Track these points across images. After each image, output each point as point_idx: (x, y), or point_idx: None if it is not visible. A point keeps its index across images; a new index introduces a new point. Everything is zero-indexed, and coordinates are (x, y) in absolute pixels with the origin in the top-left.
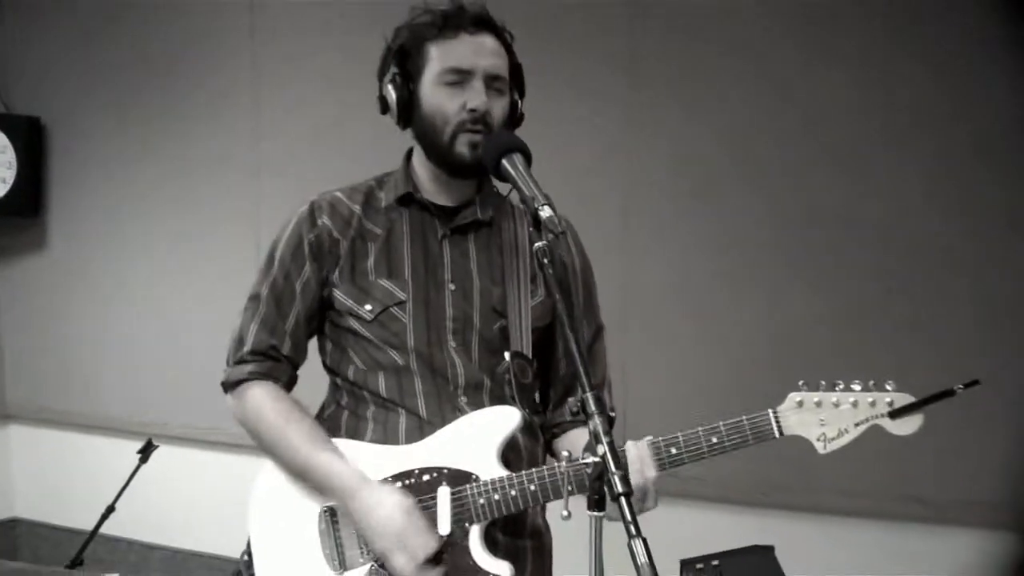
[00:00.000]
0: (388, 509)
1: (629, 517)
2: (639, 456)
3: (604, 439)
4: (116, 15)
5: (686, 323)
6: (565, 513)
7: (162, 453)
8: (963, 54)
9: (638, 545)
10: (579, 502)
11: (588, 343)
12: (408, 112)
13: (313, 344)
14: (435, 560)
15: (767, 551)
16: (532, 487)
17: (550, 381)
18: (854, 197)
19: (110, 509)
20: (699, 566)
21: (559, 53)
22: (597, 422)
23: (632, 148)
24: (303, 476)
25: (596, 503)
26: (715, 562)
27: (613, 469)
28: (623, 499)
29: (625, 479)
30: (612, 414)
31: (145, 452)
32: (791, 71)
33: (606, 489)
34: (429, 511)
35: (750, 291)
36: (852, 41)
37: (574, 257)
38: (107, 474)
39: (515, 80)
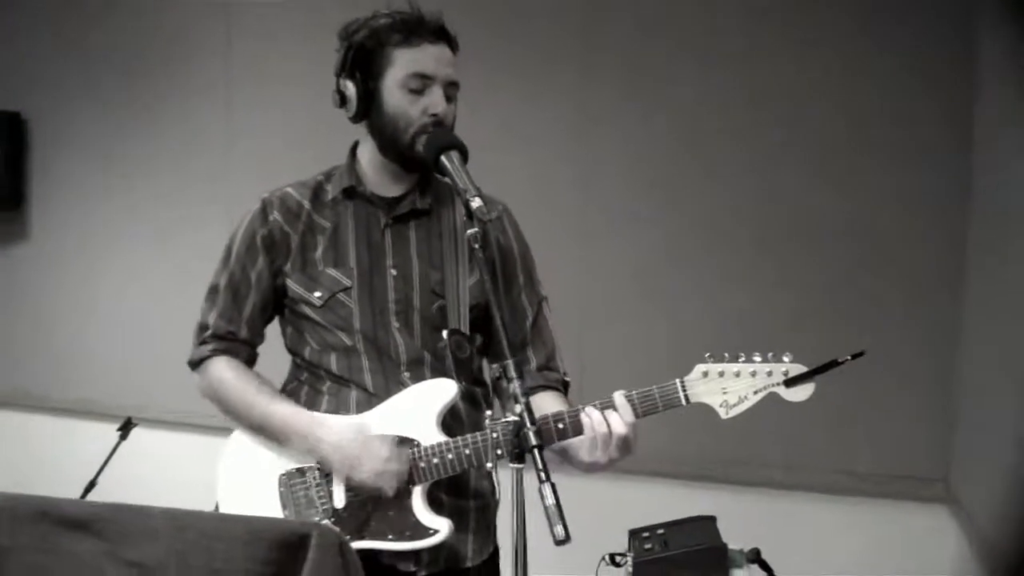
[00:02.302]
0: (341, 431)
1: (540, 466)
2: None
3: (521, 400)
4: (94, 14)
5: (640, 306)
6: (489, 465)
7: (141, 435)
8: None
9: (547, 489)
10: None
11: (533, 316)
12: (366, 109)
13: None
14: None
15: (709, 520)
16: (466, 451)
17: (500, 352)
18: (803, 186)
19: (91, 484)
20: (645, 535)
21: (517, 50)
22: (516, 385)
23: (589, 140)
24: (263, 428)
25: (516, 456)
26: (660, 531)
27: (528, 425)
28: (536, 451)
29: (538, 433)
30: (567, 378)
31: (124, 429)
32: (741, 66)
33: (523, 442)
34: None
35: (700, 274)
36: (802, 36)
37: (511, 239)
38: (88, 456)
39: None
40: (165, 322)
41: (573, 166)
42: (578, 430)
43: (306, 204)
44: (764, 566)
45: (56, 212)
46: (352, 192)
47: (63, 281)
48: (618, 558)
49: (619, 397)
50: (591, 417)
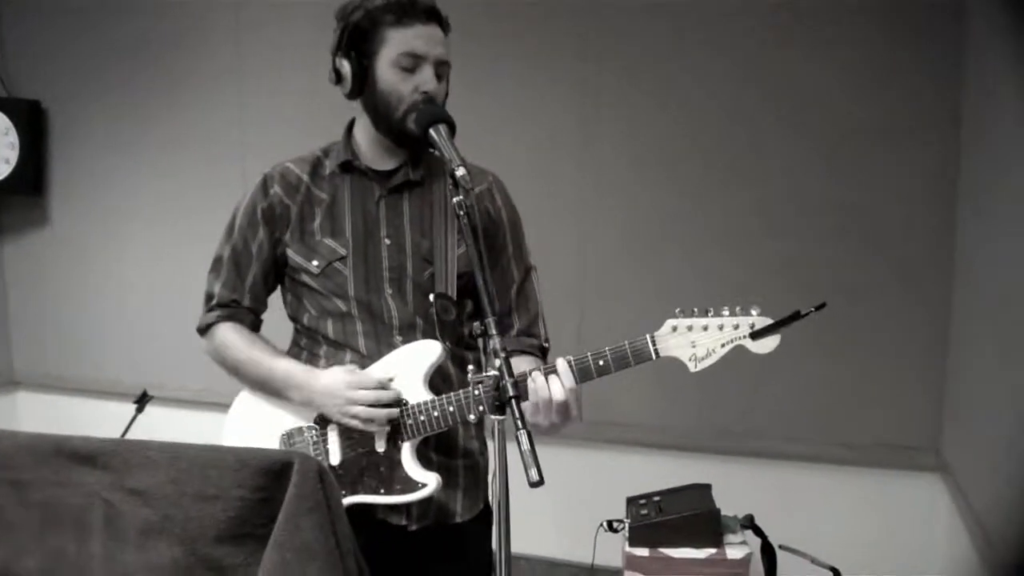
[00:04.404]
0: (333, 375)
1: (517, 414)
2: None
3: (501, 355)
4: (111, 3)
5: (637, 278)
6: (472, 417)
7: (157, 413)
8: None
9: (523, 436)
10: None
11: (519, 283)
12: (360, 86)
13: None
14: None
15: (704, 488)
16: (451, 408)
17: (483, 312)
18: (798, 165)
19: None
20: (642, 501)
21: (521, 35)
22: (496, 341)
23: (589, 120)
24: (266, 382)
25: (497, 408)
26: (656, 498)
27: (507, 377)
28: (513, 401)
29: (516, 385)
30: (546, 344)
31: (141, 402)
32: (738, 49)
33: (502, 394)
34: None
35: (695, 247)
36: (793, 23)
37: (500, 208)
38: (107, 433)
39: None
40: (180, 303)
41: (572, 142)
42: (525, 394)
43: (305, 177)
44: (758, 531)
45: (75, 198)
46: (348, 166)
47: (82, 265)
48: (615, 524)
49: (561, 363)
50: (535, 382)
